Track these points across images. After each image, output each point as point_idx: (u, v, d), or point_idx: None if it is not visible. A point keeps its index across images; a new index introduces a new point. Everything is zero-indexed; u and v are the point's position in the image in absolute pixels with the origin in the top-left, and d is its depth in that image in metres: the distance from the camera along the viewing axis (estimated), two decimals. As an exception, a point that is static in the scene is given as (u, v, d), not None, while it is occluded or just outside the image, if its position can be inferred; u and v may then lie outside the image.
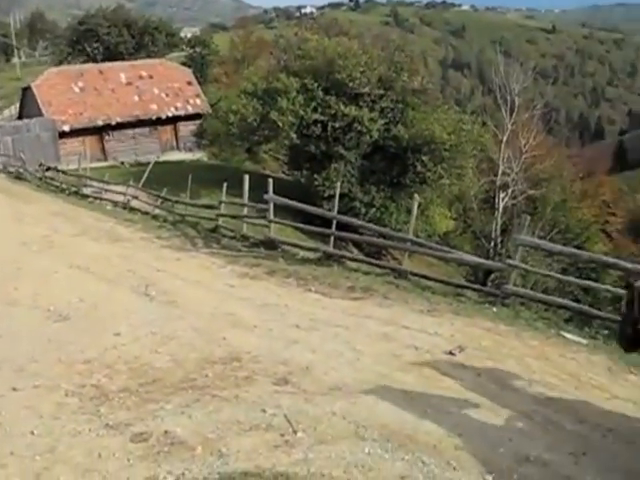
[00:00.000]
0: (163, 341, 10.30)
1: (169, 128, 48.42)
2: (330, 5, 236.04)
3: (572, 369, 8.97)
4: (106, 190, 28.27)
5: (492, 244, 32.52)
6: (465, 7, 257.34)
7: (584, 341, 10.16)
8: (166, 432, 7.29)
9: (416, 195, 17.24)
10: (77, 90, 46.36)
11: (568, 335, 10.52)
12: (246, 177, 18.65)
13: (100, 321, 11.45)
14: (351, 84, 29.86)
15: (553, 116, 75.42)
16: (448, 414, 7.81)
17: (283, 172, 41.40)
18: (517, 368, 9.01)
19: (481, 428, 7.53)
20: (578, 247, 27.53)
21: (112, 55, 65.89)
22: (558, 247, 15.61)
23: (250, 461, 6.70)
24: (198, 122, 48.39)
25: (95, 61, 61.75)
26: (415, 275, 14.81)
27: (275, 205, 17.72)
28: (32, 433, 7.45)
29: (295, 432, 7.25)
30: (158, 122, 47.82)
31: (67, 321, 11.58)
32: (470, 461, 6.89)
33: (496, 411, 7.96)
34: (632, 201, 58.92)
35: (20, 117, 48.94)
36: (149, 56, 61.63)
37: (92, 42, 70.18)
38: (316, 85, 30.05)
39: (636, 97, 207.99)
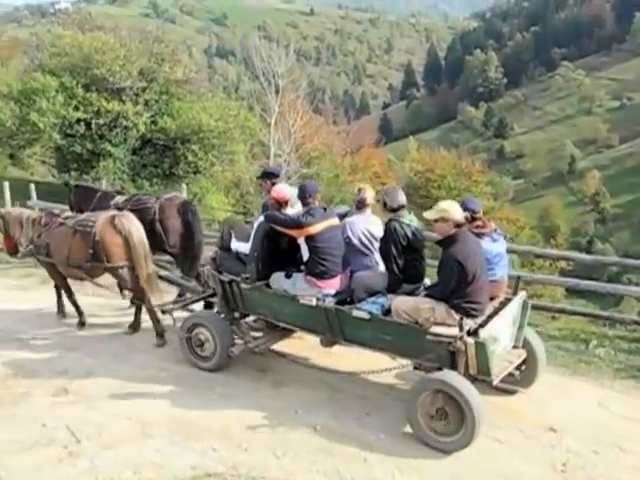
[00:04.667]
0: None
1: None
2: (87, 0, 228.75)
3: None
4: None
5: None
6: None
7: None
8: (-63, 465, 6.81)
9: (184, 185, 17.19)
10: None
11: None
12: (6, 184, 17.66)
13: None
14: (111, 79, 29.00)
15: (318, 96, 77.55)
16: (234, 397, 7.90)
17: (53, 176, 39.65)
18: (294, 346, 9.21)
19: (268, 406, 7.67)
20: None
21: None
22: None
23: (32, 479, 6.42)
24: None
25: None
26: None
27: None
28: None
29: (79, 442, 7.03)
30: None
31: None
32: (260, 440, 7.02)
33: (284, 387, 8.14)
34: (400, 169, 61.90)
35: None
36: None
37: None
38: (75, 82, 28.93)
39: (394, 72, 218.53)
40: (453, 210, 7.09)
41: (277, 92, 36.09)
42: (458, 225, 7.08)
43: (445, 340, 6.85)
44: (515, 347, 7.77)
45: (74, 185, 13.26)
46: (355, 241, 8.12)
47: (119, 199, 11.43)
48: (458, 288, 6.95)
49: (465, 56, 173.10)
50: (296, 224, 7.85)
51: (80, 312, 10.70)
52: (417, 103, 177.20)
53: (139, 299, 9.87)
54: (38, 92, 28.47)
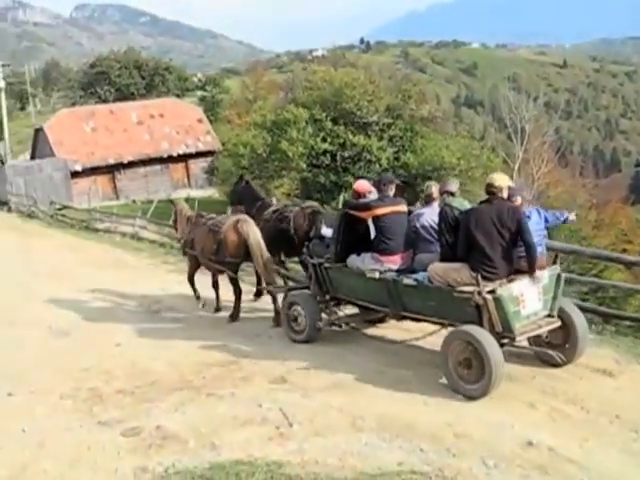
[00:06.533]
0: (163, 349, 10.31)
1: (180, 166, 48.32)
2: (341, 48, 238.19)
3: (578, 361, 8.72)
4: (115, 223, 28.38)
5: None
6: (475, 45, 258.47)
7: (590, 336, 9.92)
8: (158, 427, 7.24)
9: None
10: (88, 130, 46.63)
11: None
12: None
13: (101, 335, 11.45)
14: (359, 113, 29.93)
15: (566, 147, 74.93)
16: (449, 405, 7.65)
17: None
18: (520, 361, 8.80)
19: (483, 417, 7.34)
20: (596, 276, 26.88)
21: (123, 96, 66.81)
22: (557, 244, 15.38)
23: (243, 452, 6.59)
24: (209, 159, 48.35)
25: (107, 102, 62.25)
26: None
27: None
28: (23, 431, 7.47)
29: (290, 425, 7.14)
30: (169, 160, 47.79)
31: (67, 337, 11.61)
32: (470, 447, 6.72)
33: (500, 402, 7.77)
34: (650, 230, 58.32)
35: (33, 157, 49.17)
36: (160, 97, 61.91)
37: (103, 84, 71.21)
38: (324, 115, 30.13)
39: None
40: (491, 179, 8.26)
41: (522, 140, 35.54)
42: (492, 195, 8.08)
43: (467, 296, 7.80)
44: (550, 316, 8.37)
45: (246, 181, 14.54)
46: (421, 230, 9.24)
47: (272, 209, 13.10)
48: (472, 250, 8.00)
49: None
50: (365, 206, 9.35)
51: (198, 295, 12.91)
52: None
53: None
54: (289, 123, 29.84)
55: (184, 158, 48.24)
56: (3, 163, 48.37)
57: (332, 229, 9.98)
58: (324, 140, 29.85)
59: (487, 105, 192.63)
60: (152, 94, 67.52)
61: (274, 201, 14.35)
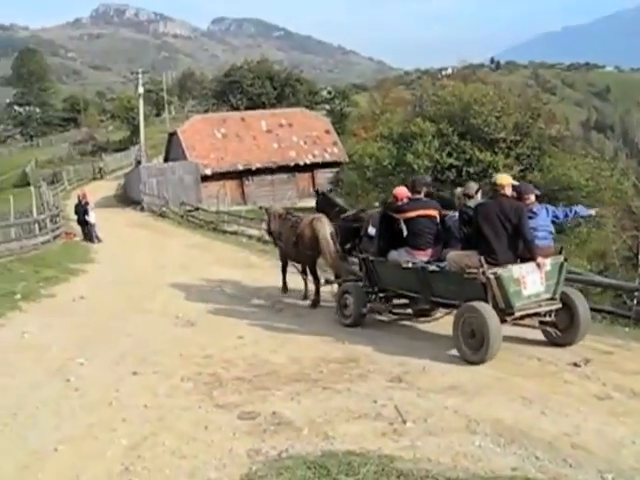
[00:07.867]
0: (283, 343, 10.69)
1: (307, 175, 48.75)
2: (471, 66, 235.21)
3: None
4: (243, 226, 29.11)
5: (635, 301, 30.97)
6: (609, 68, 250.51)
7: None
8: (274, 413, 7.48)
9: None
10: (219, 136, 47.84)
11: None
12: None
13: (224, 327, 12.00)
14: (486, 129, 29.60)
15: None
16: (567, 416, 7.49)
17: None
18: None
19: (602, 431, 7.16)
20: None
21: (254, 105, 68.45)
22: None
23: (355, 444, 6.68)
24: (335, 170, 48.61)
25: (238, 110, 63.76)
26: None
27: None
28: (145, 406, 7.91)
29: (404, 422, 7.18)
30: (296, 169, 48.31)
31: (193, 326, 12.20)
32: (588, 460, 6.56)
33: (621, 417, 7.57)
34: None
35: (166, 160, 50.93)
36: (289, 107, 62.74)
37: (236, 93, 73.23)
38: (451, 130, 29.98)
39: None
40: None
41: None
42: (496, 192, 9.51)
43: (474, 276, 9.08)
44: (553, 299, 9.50)
45: (321, 193, 17.01)
46: (453, 229, 10.70)
47: (348, 214, 14.69)
48: (480, 239, 9.32)
49: None
50: (398, 209, 10.96)
51: (285, 285, 14.99)
52: None
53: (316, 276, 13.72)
54: (416, 136, 29.82)
55: (310, 168, 48.67)
56: (139, 164, 50.23)
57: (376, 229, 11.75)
58: (450, 155, 29.69)
59: (618, 130, 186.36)
60: (282, 104, 68.68)
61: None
